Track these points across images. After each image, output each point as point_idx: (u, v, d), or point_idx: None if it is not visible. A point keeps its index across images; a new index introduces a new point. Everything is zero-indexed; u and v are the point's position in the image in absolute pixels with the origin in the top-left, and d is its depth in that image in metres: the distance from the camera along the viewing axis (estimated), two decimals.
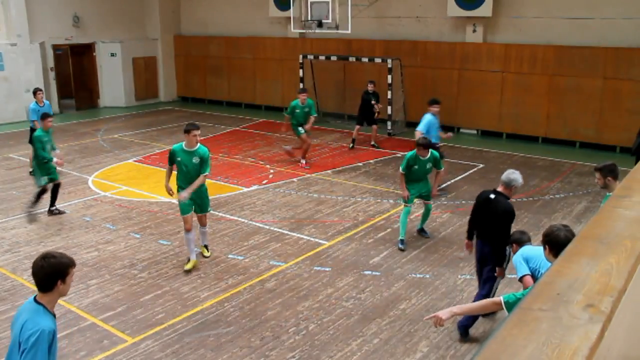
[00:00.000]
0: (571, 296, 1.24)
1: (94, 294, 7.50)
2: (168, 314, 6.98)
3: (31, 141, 10.94)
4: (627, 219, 1.72)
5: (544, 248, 4.58)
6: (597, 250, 1.47)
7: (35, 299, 3.74)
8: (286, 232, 9.62)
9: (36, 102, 12.66)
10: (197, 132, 7.92)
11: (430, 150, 8.98)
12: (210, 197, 8.65)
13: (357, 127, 15.26)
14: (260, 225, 9.92)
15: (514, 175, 6.47)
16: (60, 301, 7.23)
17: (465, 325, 6.45)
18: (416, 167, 8.98)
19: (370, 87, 15.24)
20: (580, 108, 15.34)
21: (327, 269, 8.19)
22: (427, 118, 10.88)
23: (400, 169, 9.08)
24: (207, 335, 6.53)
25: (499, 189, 6.55)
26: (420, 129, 10.71)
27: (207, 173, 8.06)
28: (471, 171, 13.26)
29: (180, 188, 8.03)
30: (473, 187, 11.92)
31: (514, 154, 14.80)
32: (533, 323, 1.14)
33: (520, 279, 5.49)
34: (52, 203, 10.40)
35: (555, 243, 4.39)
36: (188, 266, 8.16)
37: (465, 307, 5.04)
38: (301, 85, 18.92)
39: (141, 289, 7.65)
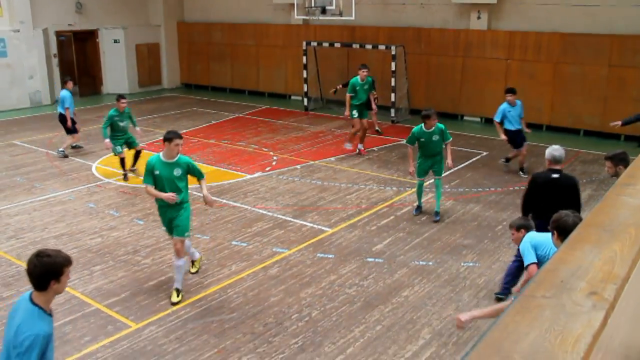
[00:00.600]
0: (574, 284, 1.24)
1: (98, 280, 7.53)
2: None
3: (67, 128, 13.15)
4: (631, 206, 1.72)
5: (552, 234, 4.61)
6: (601, 238, 1.47)
7: (31, 299, 3.65)
8: (289, 219, 9.63)
9: (67, 89, 13.02)
10: (180, 142, 6.78)
11: (436, 122, 9.27)
12: (213, 184, 8.61)
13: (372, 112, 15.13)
14: (264, 212, 9.93)
15: (560, 151, 6.87)
16: None
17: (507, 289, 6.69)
18: (423, 139, 9.32)
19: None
20: (585, 96, 15.27)
21: (330, 256, 8.21)
22: (502, 107, 11.63)
23: (405, 141, 9.67)
24: (210, 321, 6.56)
25: (555, 166, 6.80)
26: (496, 118, 11.72)
27: (204, 177, 7.24)
28: (474, 159, 13.24)
29: (161, 207, 7.03)
30: (477, 174, 11.91)
31: None
32: (536, 310, 1.14)
33: (526, 267, 5.49)
34: (134, 164, 12.08)
35: (564, 229, 4.43)
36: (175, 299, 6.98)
37: (486, 310, 5.06)
38: (304, 73, 18.87)
39: (145, 275, 7.68)
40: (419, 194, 9.76)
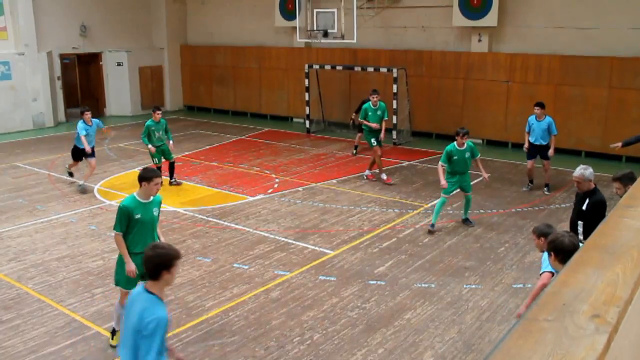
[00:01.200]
0: (577, 306, 1.23)
1: (99, 303, 7.50)
2: (173, 323, 6.96)
3: (75, 154, 12.77)
4: (633, 228, 1.71)
5: (549, 255, 4.60)
6: (603, 260, 1.46)
7: (146, 289, 4.06)
8: (291, 241, 9.61)
9: (84, 121, 12.24)
10: (160, 180, 6.27)
11: (466, 141, 9.80)
12: (215, 206, 8.60)
13: (359, 134, 15.19)
14: (265, 234, 9.91)
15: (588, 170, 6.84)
16: (65, 310, 7.26)
17: None
18: (456, 157, 9.74)
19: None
20: (586, 117, 15.32)
21: (332, 279, 8.17)
22: (529, 120, 12.19)
23: (440, 162, 9.95)
24: (211, 344, 6.51)
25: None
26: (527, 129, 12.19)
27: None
28: (476, 180, 13.22)
29: (134, 255, 6.25)
30: (479, 196, 11.89)
31: (520, 164, 14.75)
32: (538, 333, 1.13)
33: (540, 274, 5.46)
34: (171, 176, 12.64)
35: (561, 249, 4.47)
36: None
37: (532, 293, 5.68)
38: (307, 96, 18.97)
39: None
40: (438, 210, 9.89)
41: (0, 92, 19.09)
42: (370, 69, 17.68)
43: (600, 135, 15.13)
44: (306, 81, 18.96)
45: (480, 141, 17.21)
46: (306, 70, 18.88)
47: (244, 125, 20.84)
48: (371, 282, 8.06)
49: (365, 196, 11.99)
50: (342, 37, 16.85)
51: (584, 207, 6.66)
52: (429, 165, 14.44)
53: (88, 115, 12.22)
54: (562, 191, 12.35)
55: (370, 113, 12.74)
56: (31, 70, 19.65)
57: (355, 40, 16.58)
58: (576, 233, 6.66)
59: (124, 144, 17.46)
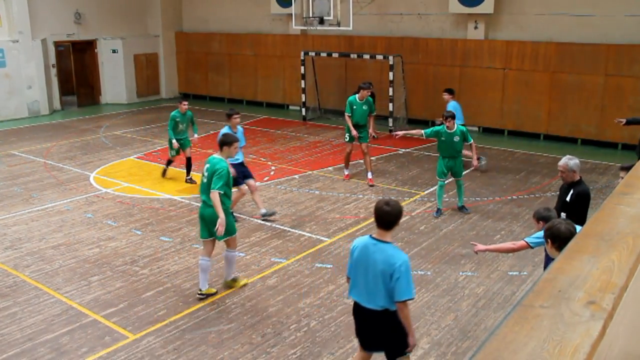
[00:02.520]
0: (573, 293, 1.24)
1: (96, 291, 7.51)
2: (170, 311, 6.99)
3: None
4: (629, 216, 1.72)
5: (546, 242, 4.63)
6: (599, 248, 1.47)
7: (378, 240, 4.77)
8: (287, 228, 9.62)
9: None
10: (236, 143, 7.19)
11: (455, 124, 9.90)
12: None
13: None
14: (262, 222, 9.92)
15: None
16: (61, 297, 7.27)
17: None
18: (443, 138, 9.86)
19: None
20: (582, 105, 15.32)
21: (329, 266, 8.19)
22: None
23: (423, 130, 10.15)
24: (208, 331, 6.54)
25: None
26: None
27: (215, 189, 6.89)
28: (472, 168, 13.23)
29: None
30: (474, 184, 11.92)
31: (516, 151, 14.79)
32: (534, 320, 1.14)
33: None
34: (188, 173, 12.14)
35: (557, 236, 4.51)
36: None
37: (500, 246, 6.38)
38: (302, 83, 18.91)
39: (143, 285, 7.66)
40: (440, 195, 10.08)
41: None
42: (367, 56, 17.62)
43: (596, 123, 15.14)
44: (302, 68, 18.89)
45: (476, 128, 17.21)
46: (302, 58, 18.80)
47: (240, 112, 20.73)
48: None
49: (362, 184, 12.00)
50: (338, 24, 16.76)
51: (567, 199, 6.58)
52: (426, 153, 14.44)
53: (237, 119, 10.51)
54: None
55: (355, 107, 11.47)
56: (25, 58, 19.52)
57: (351, 27, 16.51)
58: None
59: (120, 132, 17.41)
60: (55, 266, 8.22)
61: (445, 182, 10.21)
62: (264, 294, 7.41)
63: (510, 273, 7.98)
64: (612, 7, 14.73)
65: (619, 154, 14.29)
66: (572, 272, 1.33)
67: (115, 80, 22.59)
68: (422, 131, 10.20)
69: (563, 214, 6.49)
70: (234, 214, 8.69)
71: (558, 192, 6.94)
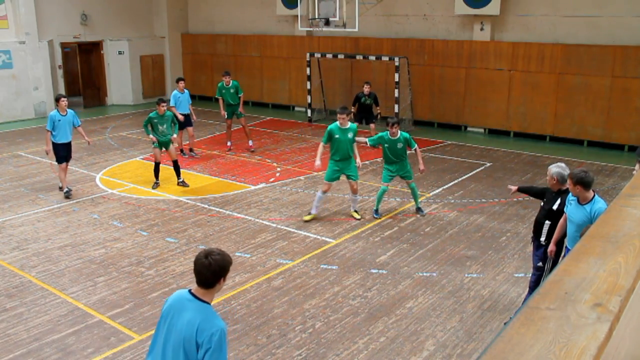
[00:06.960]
0: (579, 295, 1.24)
1: (102, 291, 7.53)
2: None
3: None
4: (635, 218, 1.71)
5: (575, 186, 5.60)
6: (606, 250, 1.46)
7: (196, 297, 3.75)
8: (293, 230, 9.62)
9: (177, 90, 12.89)
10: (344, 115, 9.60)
11: (399, 130, 10.00)
12: (217, 195, 8.61)
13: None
14: (267, 223, 9.93)
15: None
16: (67, 298, 7.29)
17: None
18: (387, 145, 9.95)
19: (366, 89, 15.21)
20: (588, 107, 15.27)
21: (334, 267, 8.19)
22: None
23: (367, 139, 10.39)
24: None
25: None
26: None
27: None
28: (478, 170, 13.22)
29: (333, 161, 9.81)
30: (480, 185, 11.90)
31: (522, 153, 14.75)
32: (540, 322, 1.14)
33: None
34: (178, 176, 12.06)
35: (588, 183, 5.55)
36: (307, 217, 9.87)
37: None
38: (308, 85, 18.91)
39: (148, 286, 7.68)
40: (379, 198, 10.19)
41: (1, 81, 19.07)
42: (372, 58, 17.62)
43: (602, 124, 15.09)
44: (308, 70, 18.90)
45: (482, 130, 17.19)
46: (308, 59, 18.81)
47: (245, 114, 20.76)
48: (373, 270, 8.08)
49: (367, 185, 11.99)
50: (344, 26, 16.76)
51: (554, 207, 6.38)
52: (431, 154, 14.42)
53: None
54: None
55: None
56: (32, 59, 19.60)
57: (357, 29, 16.50)
58: (540, 233, 6.47)
59: (125, 133, 17.45)
60: (62, 267, 8.24)
61: (389, 187, 10.39)
62: (269, 295, 7.41)
63: (516, 275, 7.96)
64: (619, 8, 14.68)
65: (626, 155, 14.23)
66: (578, 274, 1.33)
67: (121, 81, 22.65)
68: (366, 139, 10.40)
69: (547, 222, 6.39)
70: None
71: (544, 200, 6.67)
